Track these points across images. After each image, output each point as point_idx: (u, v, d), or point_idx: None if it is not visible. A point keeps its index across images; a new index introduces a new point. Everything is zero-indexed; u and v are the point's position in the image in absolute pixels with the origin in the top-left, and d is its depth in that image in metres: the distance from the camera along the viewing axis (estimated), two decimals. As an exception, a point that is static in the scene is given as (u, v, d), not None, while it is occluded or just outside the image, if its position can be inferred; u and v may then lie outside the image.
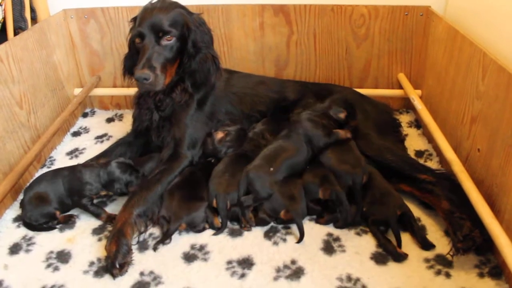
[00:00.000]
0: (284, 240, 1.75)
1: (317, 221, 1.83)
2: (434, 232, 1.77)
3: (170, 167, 1.93)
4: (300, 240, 1.72)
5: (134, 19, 2.02)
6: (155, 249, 1.71)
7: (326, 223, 1.82)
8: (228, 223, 1.82)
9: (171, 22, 1.91)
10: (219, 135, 2.08)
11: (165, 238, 1.73)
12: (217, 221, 1.80)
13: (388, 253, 1.67)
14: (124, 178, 1.89)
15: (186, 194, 1.83)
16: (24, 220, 1.85)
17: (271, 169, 1.82)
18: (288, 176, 1.85)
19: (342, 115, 2.05)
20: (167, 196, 1.83)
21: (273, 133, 2.09)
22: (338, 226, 1.80)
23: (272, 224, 1.83)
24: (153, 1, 1.98)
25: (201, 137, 2.07)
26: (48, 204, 1.83)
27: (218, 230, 1.78)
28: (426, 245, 1.69)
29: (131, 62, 2.05)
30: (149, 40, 1.88)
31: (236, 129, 2.11)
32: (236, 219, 1.83)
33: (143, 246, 1.73)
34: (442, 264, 1.62)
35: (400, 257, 1.64)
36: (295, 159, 1.89)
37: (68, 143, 2.52)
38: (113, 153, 2.18)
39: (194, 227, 1.79)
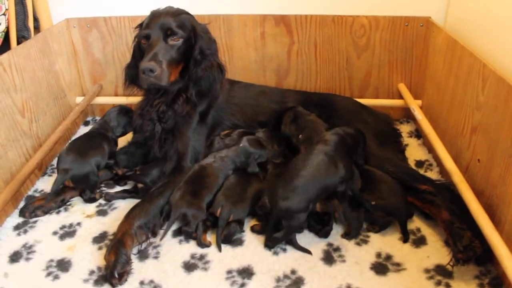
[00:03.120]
0: (284, 250, 1.75)
1: (316, 234, 1.82)
2: (434, 242, 1.77)
3: (173, 181, 1.94)
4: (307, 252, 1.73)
5: (139, 26, 2.05)
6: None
7: (323, 235, 1.80)
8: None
9: (179, 24, 1.95)
10: (224, 132, 2.15)
11: (168, 228, 1.76)
12: (205, 237, 1.78)
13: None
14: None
15: (191, 189, 1.84)
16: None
17: (311, 205, 1.71)
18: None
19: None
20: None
21: (279, 144, 2.10)
22: (350, 237, 1.79)
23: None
24: (160, 8, 2.01)
25: (203, 150, 2.09)
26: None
27: (217, 239, 1.77)
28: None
29: (135, 71, 2.07)
30: (157, 37, 1.92)
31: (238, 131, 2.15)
32: (231, 238, 1.79)
33: (143, 255, 1.73)
34: (442, 275, 1.61)
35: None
36: (328, 180, 1.74)
37: (70, 151, 2.53)
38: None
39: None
